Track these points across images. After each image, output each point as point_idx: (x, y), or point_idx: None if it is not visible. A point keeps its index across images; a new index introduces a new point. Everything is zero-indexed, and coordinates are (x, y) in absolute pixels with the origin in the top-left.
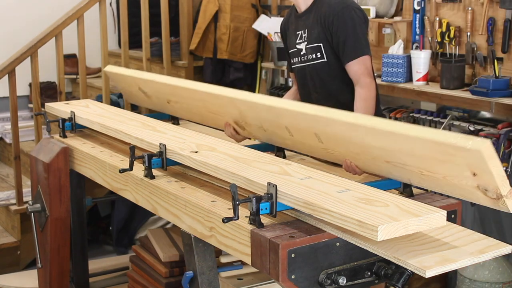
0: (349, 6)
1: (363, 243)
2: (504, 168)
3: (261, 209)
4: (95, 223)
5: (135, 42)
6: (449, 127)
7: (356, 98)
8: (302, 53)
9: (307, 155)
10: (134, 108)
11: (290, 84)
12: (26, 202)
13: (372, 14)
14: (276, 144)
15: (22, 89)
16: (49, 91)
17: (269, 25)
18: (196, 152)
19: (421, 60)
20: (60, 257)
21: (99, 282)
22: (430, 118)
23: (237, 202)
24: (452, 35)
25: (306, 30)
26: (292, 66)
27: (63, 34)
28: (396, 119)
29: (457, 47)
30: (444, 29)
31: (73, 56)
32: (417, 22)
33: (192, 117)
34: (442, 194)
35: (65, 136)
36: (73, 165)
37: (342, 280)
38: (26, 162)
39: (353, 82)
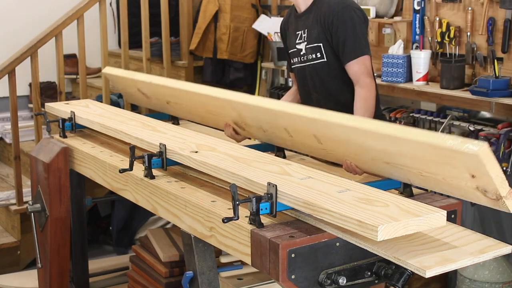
0: (349, 6)
1: (363, 243)
2: (504, 168)
3: (261, 209)
4: (95, 223)
5: (135, 42)
6: (449, 127)
7: (356, 98)
8: (302, 53)
9: (307, 155)
10: (134, 108)
11: (290, 84)
12: (26, 202)
13: (372, 14)
14: (276, 144)
15: (22, 89)
16: (49, 91)
17: (269, 25)
18: (196, 152)
19: (421, 60)
20: (60, 257)
21: (99, 282)
22: (430, 118)
23: (237, 202)
24: (452, 35)
25: (306, 30)
26: (292, 66)
27: (63, 34)
28: (396, 119)
29: (457, 47)
30: (444, 29)
31: (73, 56)
32: (417, 22)
33: (192, 117)
34: (442, 194)
35: (65, 136)
36: (73, 165)
37: (342, 280)
38: (26, 162)
39: (353, 82)
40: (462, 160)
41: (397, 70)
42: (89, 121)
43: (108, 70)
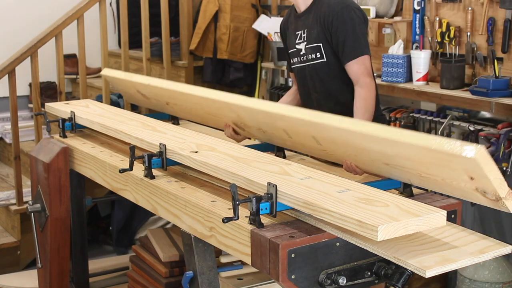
0: (349, 6)
1: (363, 243)
2: (504, 168)
3: (261, 209)
4: (95, 223)
5: (135, 42)
6: (449, 127)
7: (356, 98)
8: (301, 53)
9: (307, 155)
10: (134, 108)
11: (290, 84)
12: (26, 202)
13: (372, 14)
14: (276, 144)
15: (22, 89)
16: (49, 91)
17: (269, 25)
18: (196, 152)
19: (421, 60)
20: (60, 257)
21: (99, 282)
22: (430, 118)
23: (237, 202)
24: (452, 35)
25: (306, 30)
26: (292, 66)
27: (63, 34)
28: (396, 119)
29: (457, 47)
30: (444, 29)
31: (73, 56)
32: (417, 22)
33: (191, 117)
34: (442, 194)
35: (65, 136)
36: (73, 165)
37: (342, 280)
38: (26, 162)
39: (353, 82)
40: (459, 163)
41: (397, 70)
42: (89, 121)
43: (106, 72)
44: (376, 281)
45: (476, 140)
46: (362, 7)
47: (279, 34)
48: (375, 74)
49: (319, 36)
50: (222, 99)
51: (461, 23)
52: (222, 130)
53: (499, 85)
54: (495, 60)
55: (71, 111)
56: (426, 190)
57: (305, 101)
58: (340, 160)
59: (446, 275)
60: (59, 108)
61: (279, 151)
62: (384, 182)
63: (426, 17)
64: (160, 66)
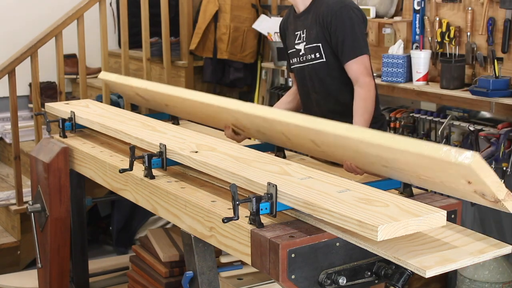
0: (348, 5)
1: (363, 243)
2: (504, 168)
3: (261, 209)
4: (95, 223)
5: (135, 42)
6: (449, 127)
7: (356, 98)
8: (301, 53)
9: (307, 155)
10: (134, 108)
11: (290, 84)
12: (26, 202)
13: (372, 14)
14: (276, 144)
15: (22, 89)
16: (49, 91)
17: (269, 25)
18: (196, 152)
19: (421, 60)
20: (60, 257)
21: (99, 282)
22: (430, 118)
23: (237, 202)
24: (452, 35)
25: (305, 30)
26: (292, 67)
27: (63, 34)
28: (396, 119)
29: (457, 47)
30: (444, 29)
31: (73, 56)
32: (417, 22)
33: (191, 118)
34: (442, 194)
35: (65, 136)
36: (73, 165)
37: (342, 280)
38: (26, 162)
39: (352, 82)
40: (455, 169)
41: (397, 70)
42: (89, 121)
43: (103, 75)
44: (376, 281)
45: (476, 140)
46: (362, 7)
47: (279, 34)
48: (375, 74)
49: (318, 36)
50: (219, 104)
51: (461, 23)
52: (222, 130)
53: (499, 85)
54: (495, 60)
55: (71, 111)
56: (426, 190)
57: (305, 101)
58: (340, 161)
59: (446, 275)
60: (59, 108)
61: (279, 151)
62: (384, 182)
63: (426, 17)
64: (160, 66)
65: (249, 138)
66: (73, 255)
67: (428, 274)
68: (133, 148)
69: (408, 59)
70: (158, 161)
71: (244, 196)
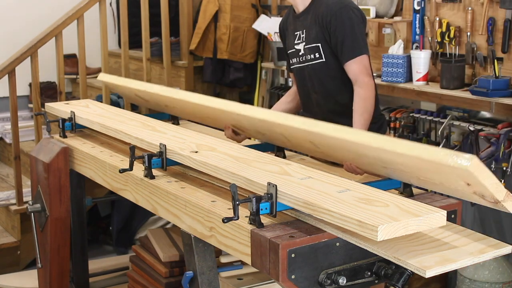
0: (347, 6)
1: (363, 243)
2: (504, 168)
3: (261, 209)
4: (95, 223)
5: (135, 42)
6: (449, 127)
7: (355, 98)
8: (300, 53)
9: (307, 155)
10: (134, 108)
11: (290, 84)
12: (26, 202)
13: (372, 14)
14: (276, 144)
15: (22, 89)
16: (49, 91)
17: (269, 25)
18: (196, 152)
19: (421, 60)
20: (60, 257)
21: (99, 282)
22: (430, 118)
23: (237, 202)
24: (452, 35)
25: (304, 30)
26: (291, 67)
27: (63, 34)
28: (396, 119)
29: (457, 47)
30: (444, 29)
31: (73, 56)
32: (417, 22)
33: (191, 118)
34: (442, 194)
35: (65, 136)
36: (73, 165)
37: (342, 280)
38: (26, 162)
39: (352, 82)
40: (454, 172)
41: (397, 70)
42: (89, 121)
43: (103, 77)
44: (376, 281)
45: (476, 140)
46: (362, 7)
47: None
48: (375, 74)
49: (317, 36)
50: (218, 106)
51: (461, 23)
52: (222, 130)
53: (499, 85)
54: (495, 60)
55: (71, 111)
56: (426, 190)
57: (305, 102)
58: (340, 161)
59: (446, 275)
60: (59, 108)
61: (279, 151)
62: (384, 182)
63: (426, 17)
64: (160, 66)
65: (249, 138)
66: (73, 255)
67: (428, 274)
68: (133, 148)
69: (408, 59)
70: (158, 161)
71: (244, 196)
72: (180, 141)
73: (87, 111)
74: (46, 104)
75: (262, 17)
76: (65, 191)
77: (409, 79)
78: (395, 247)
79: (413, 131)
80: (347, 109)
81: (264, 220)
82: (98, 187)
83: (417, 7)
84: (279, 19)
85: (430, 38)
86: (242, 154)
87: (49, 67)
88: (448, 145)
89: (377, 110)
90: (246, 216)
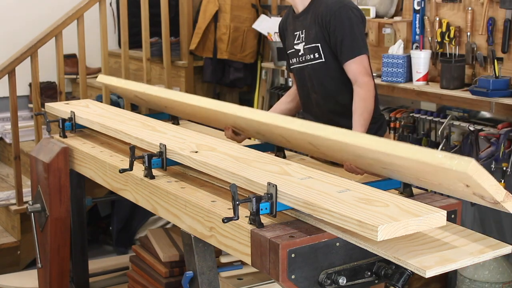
0: (346, 5)
1: (363, 243)
2: (504, 168)
3: (261, 209)
4: (95, 223)
5: (135, 42)
6: (449, 127)
7: (355, 98)
8: (300, 53)
9: (307, 155)
10: (134, 108)
11: (290, 84)
12: (26, 202)
13: (372, 14)
14: (276, 144)
15: (22, 89)
16: (49, 91)
17: (269, 25)
18: (196, 152)
19: (421, 60)
20: (60, 257)
21: (99, 282)
22: (430, 118)
23: (237, 202)
24: (452, 35)
25: (304, 30)
26: (291, 67)
27: (63, 34)
28: (396, 119)
29: (457, 47)
30: (444, 29)
31: (73, 56)
32: (417, 22)
33: (191, 118)
34: (442, 194)
35: (65, 136)
36: (73, 165)
37: (342, 280)
38: (26, 162)
39: (351, 82)
40: (453, 175)
41: (397, 70)
42: (89, 121)
43: (102, 79)
44: (376, 281)
45: (476, 140)
46: (362, 7)
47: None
48: (375, 74)
49: (317, 36)
50: (217, 108)
51: (461, 23)
52: (222, 130)
53: (499, 85)
54: (495, 60)
55: (71, 111)
56: (426, 190)
57: (305, 102)
58: (340, 161)
59: (446, 275)
60: (59, 108)
61: (279, 151)
62: (384, 182)
63: (426, 17)
64: (160, 66)
65: (249, 138)
66: (73, 255)
67: (428, 274)
68: (133, 148)
69: (408, 59)
70: (158, 161)
71: (244, 196)
72: (180, 141)
73: (87, 111)
74: (46, 104)
75: (262, 17)
76: (65, 191)
77: (409, 79)
78: (395, 247)
79: (413, 131)
80: (347, 109)
81: (264, 220)
82: (98, 187)
83: (417, 7)
84: (279, 19)
85: (430, 38)
86: (242, 154)
87: (49, 67)
88: (448, 145)
89: (377, 110)
90: (246, 216)
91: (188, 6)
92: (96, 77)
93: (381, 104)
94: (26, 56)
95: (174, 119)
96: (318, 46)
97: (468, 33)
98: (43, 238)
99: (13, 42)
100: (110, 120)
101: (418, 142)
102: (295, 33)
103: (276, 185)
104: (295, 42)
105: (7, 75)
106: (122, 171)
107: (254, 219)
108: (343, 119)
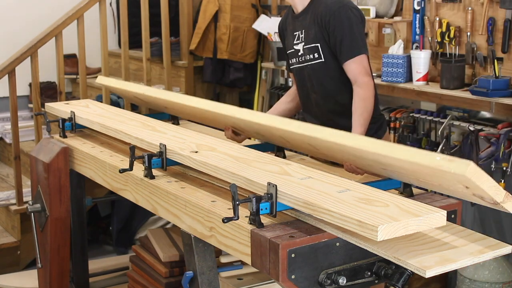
0: (346, 5)
1: (363, 243)
2: (504, 168)
3: (261, 209)
4: (95, 223)
5: (135, 42)
6: (449, 127)
7: (355, 98)
8: (299, 53)
9: (307, 155)
10: (134, 108)
11: (290, 84)
12: (26, 202)
13: (372, 14)
14: (276, 144)
15: (22, 89)
16: (49, 91)
17: (269, 25)
18: (196, 152)
19: (421, 60)
20: (60, 257)
21: (99, 282)
22: (430, 118)
23: (237, 202)
24: (452, 35)
25: (303, 30)
26: (291, 67)
27: (63, 34)
28: (396, 119)
29: (457, 47)
30: (444, 29)
31: (73, 56)
32: (417, 22)
33: (191, 118)
34: (442, 194)
35: (65, 136)
36: (73, 165)
37: (342, 280)
38: (26, 162)
39: (351, 82)
40: (452, 177)
41: (397, 70)
42: (89, 121)
43: (101, 80)
44: (376, 281)
45: (476, 140)
46: (362, 7)
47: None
48: (375, 74)
49: (316, 36)
50: (215, 110)
51: (461, 23)
52: (222, 130)
53: (499, 85)
54: (495, 60)
55: (71, 111)
56: (426, 190)
57: (305, 102)
58: (340, 162)
59: (446, 275)
60: (59, 108)
61: (279, 151)
62: (384, 182)
63: (426, 17)
64: (160, 66)
65: (249, 138)
66: (73, 255)
67: (428, 274)
68: (133, 148)
69: (408, 59)
70: (158, 161)
71: (244, 196)
72: (180, 141)
73: (87, 111)
74: (46, 104)
75: (262, 17)
76: (65, 191)
77: (409, 79)
78: (395, 247)
79: (413, 131)
80: (347, 109)
81: (264, 220)
82: (98, 187)
83: (417, 7)
84: (279, 19)
85: (430, 38)
86: (242, 154)
87: (49, 67)
88: (448, 145)
89: (376, 110)
90: (246, 216)
91: (188, 6)
92: (96, 77)
93: (381, 104)
94: (26, 56)
95: (174, 119)
96: (317, 46)
97: (468, 33)
98: (43, 238)
99: (13, 42)
100: (110, 120)
101: (418, 142)
102: (295, 33)
103: (276, 185)
104: (295, 42)
105: (7, 75)
106: (122, 171)
107: (254, 219)
108: (342, 119)
